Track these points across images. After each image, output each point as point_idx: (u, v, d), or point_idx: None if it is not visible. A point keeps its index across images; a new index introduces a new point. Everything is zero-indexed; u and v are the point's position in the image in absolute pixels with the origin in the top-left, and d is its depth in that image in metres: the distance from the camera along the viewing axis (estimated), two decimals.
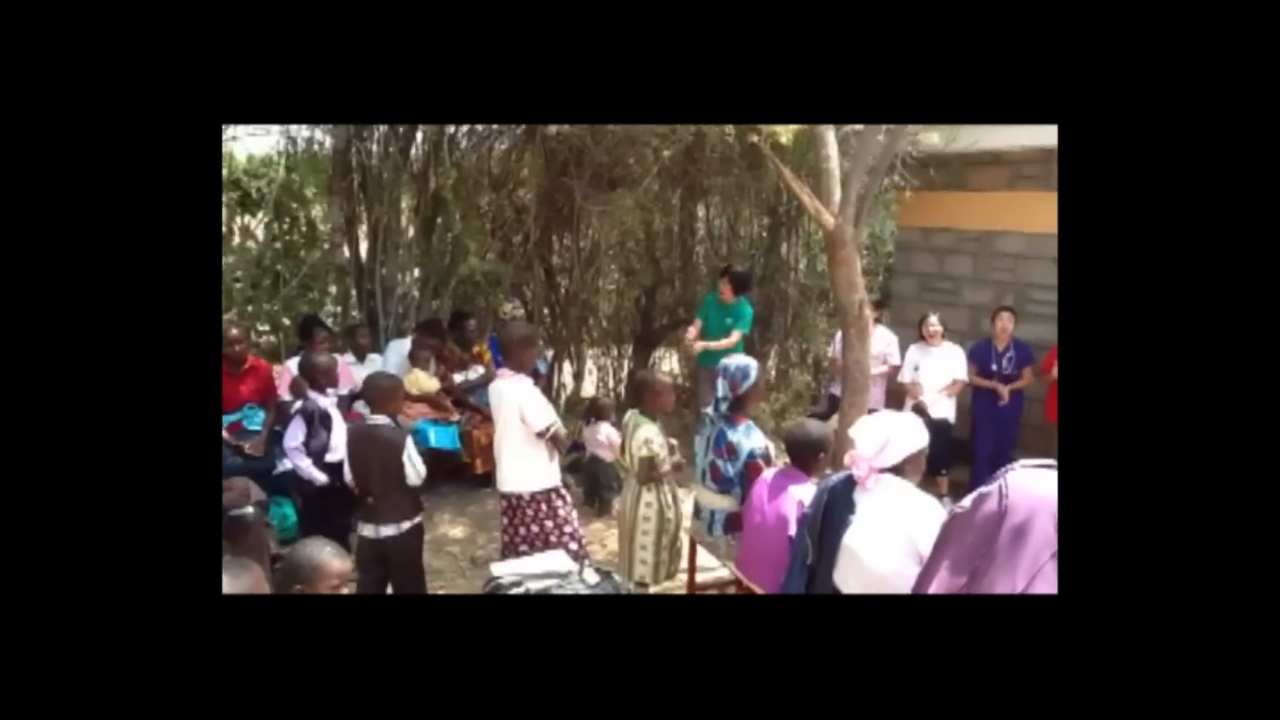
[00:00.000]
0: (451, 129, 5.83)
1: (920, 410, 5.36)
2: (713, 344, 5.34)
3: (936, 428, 5.37)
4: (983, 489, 1.86)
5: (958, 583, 1.86)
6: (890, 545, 2.25)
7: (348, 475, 3.38)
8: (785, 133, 3.84)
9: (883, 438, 2.27)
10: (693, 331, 5.52)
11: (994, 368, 5.42)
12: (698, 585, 3.64)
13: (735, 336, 5.41)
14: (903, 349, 5.77)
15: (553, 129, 5.40)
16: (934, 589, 1.92)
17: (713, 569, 3.69)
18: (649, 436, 3.33)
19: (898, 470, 2.34)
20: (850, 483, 2.42)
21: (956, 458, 5.57)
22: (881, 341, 5.67)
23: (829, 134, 3.75)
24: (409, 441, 3.21)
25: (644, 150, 5.29)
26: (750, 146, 4.78)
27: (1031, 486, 1.77)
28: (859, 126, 4.18)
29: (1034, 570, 1.73)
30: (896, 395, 5.77)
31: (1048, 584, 1.73)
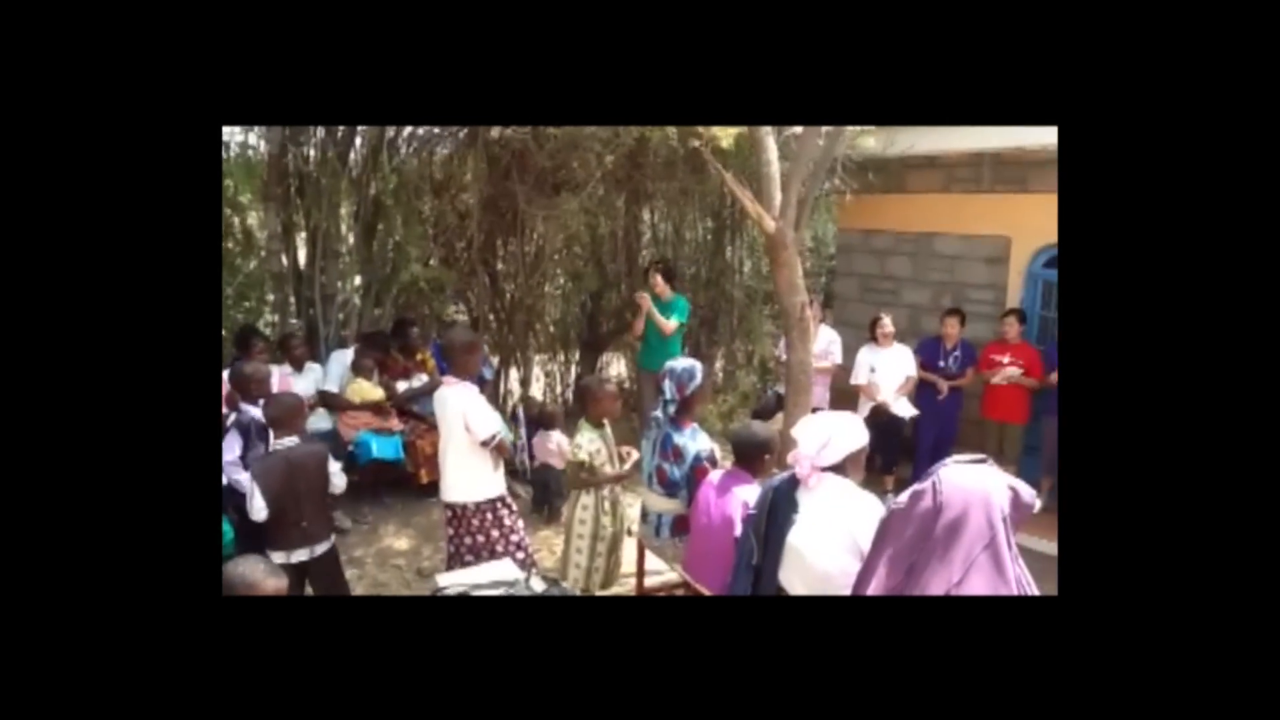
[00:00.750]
0: (391, 133, 5.73)
1: (882, 410, 5.47)
2: (660, 320, 5.34)
3: (893, 428, 5.51)
4: (917, 486, 1.89)
5: (895, 578, 1.89)
6: (833, 543, 2.28)
7: (258, 512, 2.98)
8: (726, 137, 3.87)
9: (824, 437, 2.30)
10: (644, 302, 5.45)
11: (940, 364, 5.56)
12: (646, 589, 3.63)
13: (674, 324, 5.42)
14: (846, 349, 5.87)
15: (494, 133, 5.35)
16: (873, 585, 1.95)
17: (661, 573, 3.69)
18: (580, 442, 3.35)
19: (839, 469, 2.37)
20: (793, 482, 2.45)
21: (905, 455, 5.69)
22: (824, 341, 5.76)
23: (769, 138, 3.79)
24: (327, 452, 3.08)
25: (587, 155, 5.28)
26: (692, 151, 4.82)
27: (964, 482, 1.81)
28: (798, 130, 4.25)
29: (968, 563, 1.77)
30: (844, 395, 5.85)
31: (981, 576, 1.77)
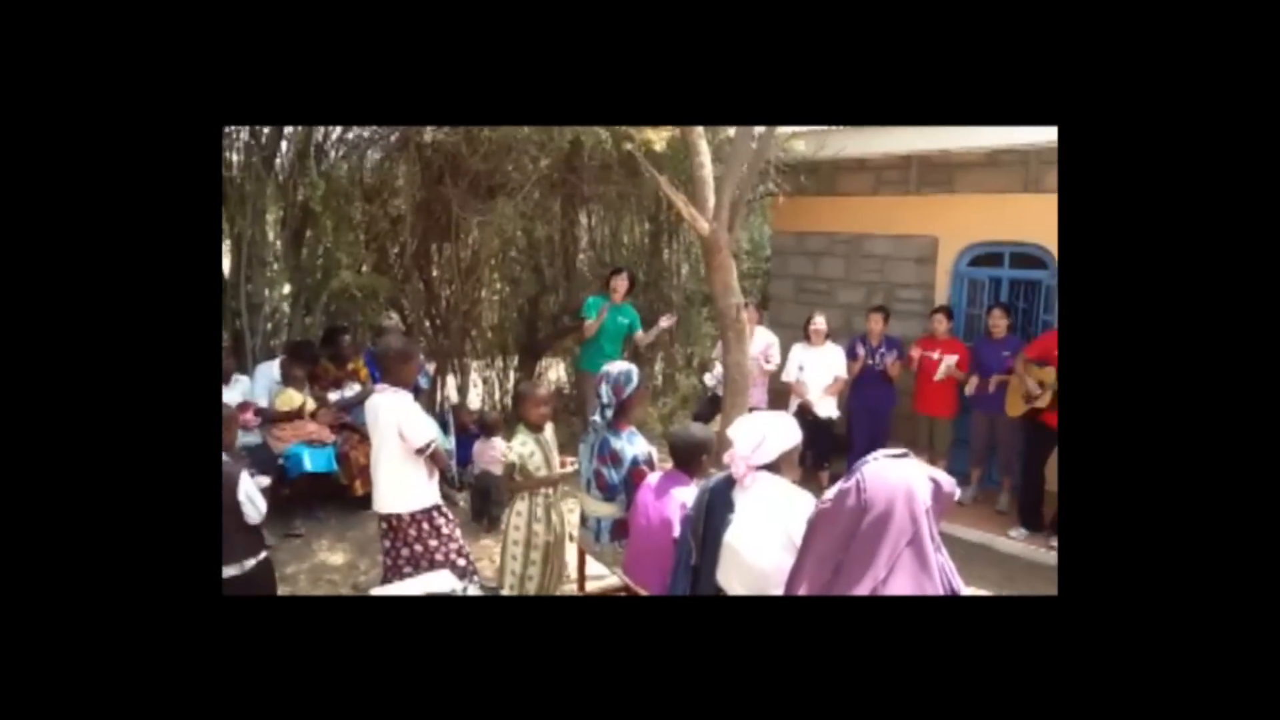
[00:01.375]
0: (319, 136, 5.59)
1: (806, 409, 5.56)
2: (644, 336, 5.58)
3: (823, 425, 5.61)
4: (842, 485, 1.92)
5: (824, 577, 1.92)
6: (769, 541, 2.31)
7: None
8: (659, 140, 3.89)
9: (758, 436, 2.32)
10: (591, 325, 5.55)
11: (868, 363, 5.68)
12: (587, 594, 3.61)
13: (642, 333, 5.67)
14: (783, 349, 5.96)
15: (427, 136, 5.27)
16: (803, 583, 1.97)
17: (602, 577, 3.67)
18: (512, 445, 3.35)
19: (774, 467, 2.40)
20: (729, 482, 2.46)
21: (836, 451, 5.80)
22: (761, 342, 5.83)
23: (701, 141, 3.83)
24: (243, 477, 2.90)
25: (522, 158, 5.24)
26: (627, 154, 4.83)
27: (887, 477, 1.85)
28: (730, 133, 4.30)
29: (893, 559, 1.80)
30: (781, 395, 5.94)
31: (906, 571, 1.81)
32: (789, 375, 5.73)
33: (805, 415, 5.52)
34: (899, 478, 1.86)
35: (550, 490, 3.40)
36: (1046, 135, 4.85)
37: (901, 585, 1.82)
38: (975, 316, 5.94)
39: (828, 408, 5.59)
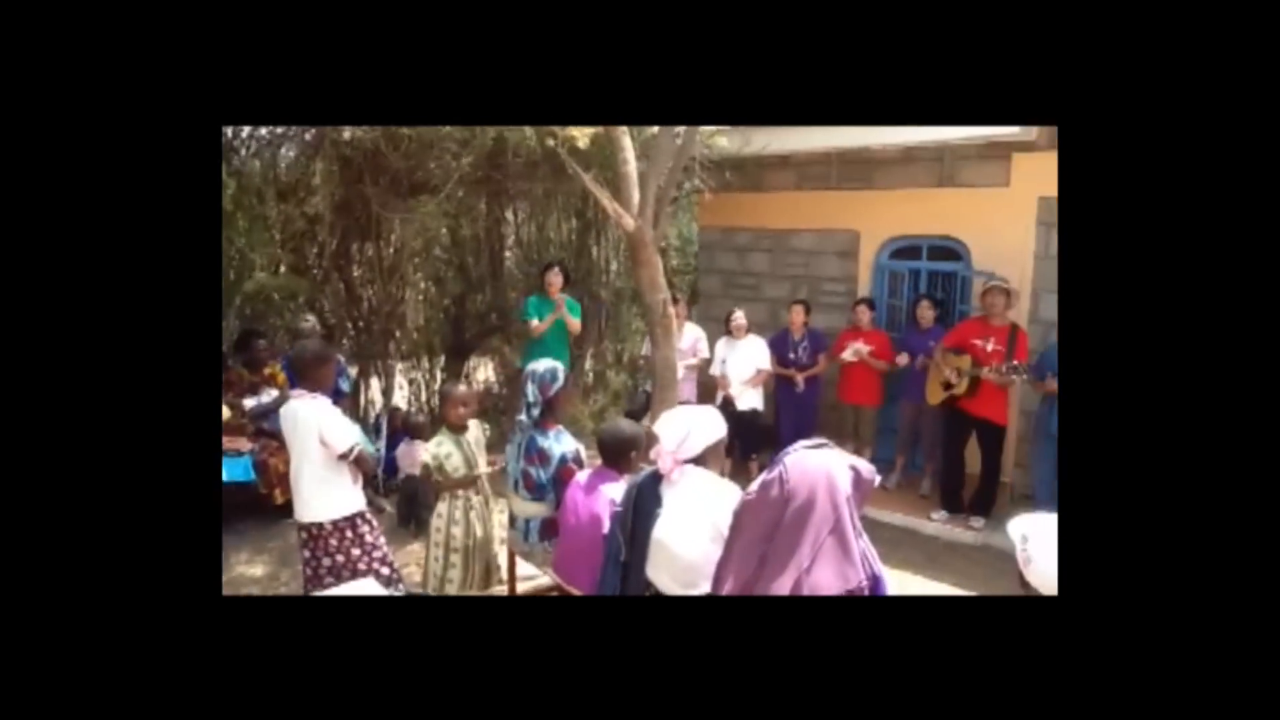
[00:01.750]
0: (229, 134, 5.36)
1: (729, 402, 5.62)
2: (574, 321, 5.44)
3: (746, 417, 5.68)
4: (765, 476, 1.95)
5: (750, 569, 1.94)
6: (696, 533, 2.31)
7: None
8: (583, 137, 3.86)
9: (683, 431, 2.33)
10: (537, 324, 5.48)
11: (791, 355, 5.78)
12: (518, 595, 3.57)
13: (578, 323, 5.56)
14: (711, 344, 6.01)
15: (346, 134, 5.11)
16: (730, 574, 1.99)
17: (534, 577, 3.63)
18: (428, 446, 3.31)
19: (700, 461, 2.41)
20: (657, 477, 2.46)
21: (765, 442, 5.89)
22: (690, 337, 5.88)
23: (625, 138, 3.81)
24: None
25: (444, 155, 5.13)
26: (551, 151, 4.78)
27: (808, 467, 1.88)
28: (655, 130, 4.30)
29: (816, 547, 1.83)
30: (709, 389, 5.99)
31: (829, 559, 1.84)
32: (714, 369, 5.79)
33: (728, 408, 5.59)
34: (819, 467, 1.89)
35: (472, 492, 3.33)
36: (959, 132, 5.03)
37: (825, 572, 1.85)
38: (896, 307, 6.12)
39: (749, 400, 5.66)
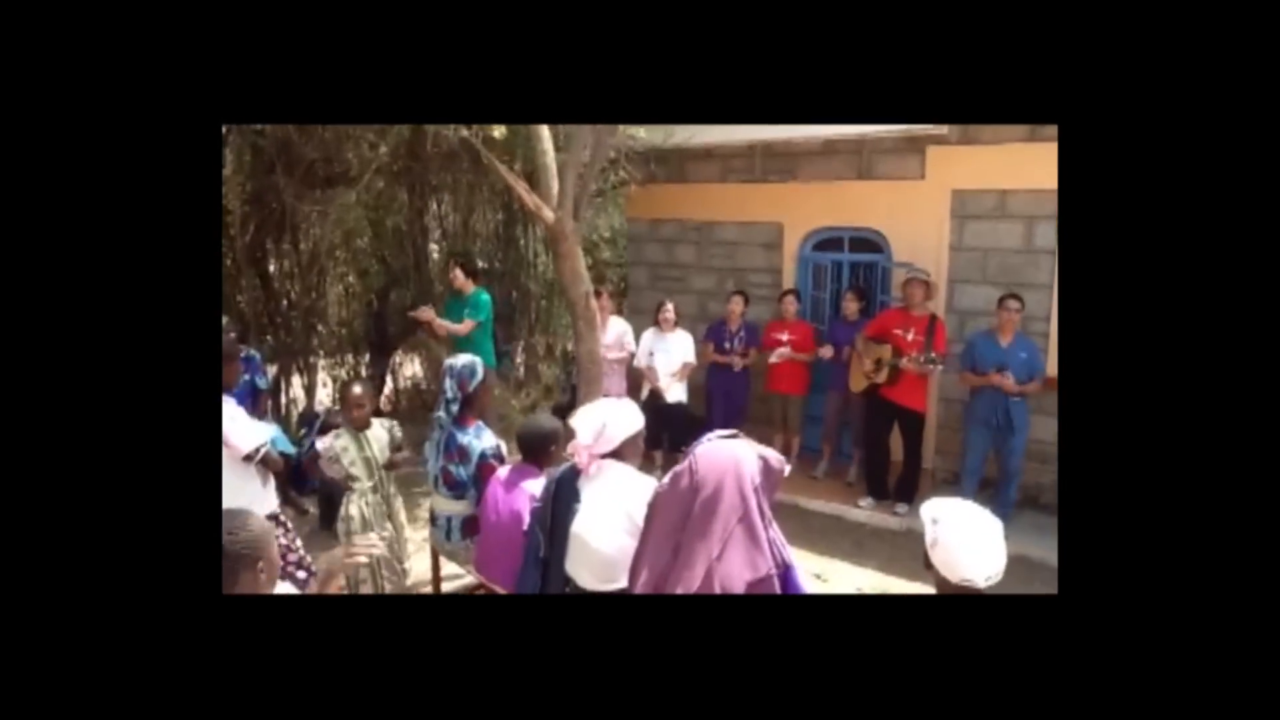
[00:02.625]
0: None
1: (657, 395, 5.63)
2: (453, 327, 5.15)
3: (674, 410, 5.70)
4: (677, 468, 1.95)
5: (664, 560, 1.95)
6: (613, 526, 2.31)
7: None
8: (498, 128, 3.80)
9: (598, 424, 2.32)
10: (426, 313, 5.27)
11: (727, 346, 5.83)
12: (443, 595, 3.51)
13: (468, 325, 5.24)
14: (640, 336, 6.01)
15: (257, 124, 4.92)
16: (645, 566, 1.99)
17: (459, 576, 3.58)
18: (325, 438, 3.25)
19: (618, 454, 2.40)
20: (575, 472, 2.45)
21: (695, 434, 5.91)
22: (615, 331, 5.86)
23: (544, 129, 3.77)
24: None
25: (360, 146, 4.99)
26: (470, 142, 4.70)
27: (716, 458, 1.89)
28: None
29: (726, 536, 1.85)
30: (639, 382, 5.99)
31: (738, 547, 1.86)
32: (640, 361, 5.77)
33: (656, 401, 5.61)
34: (728, 457, 1.91)
35: (373, 489, 3.24)
36: (878, 127, 5.14)
37: (734, 560, 1.86)
38: (820, 299, 6.23)
39: (676, 393, 5.68)
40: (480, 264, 6.72)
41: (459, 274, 5.28)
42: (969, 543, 1.65)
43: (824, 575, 4.56)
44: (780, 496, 5.71)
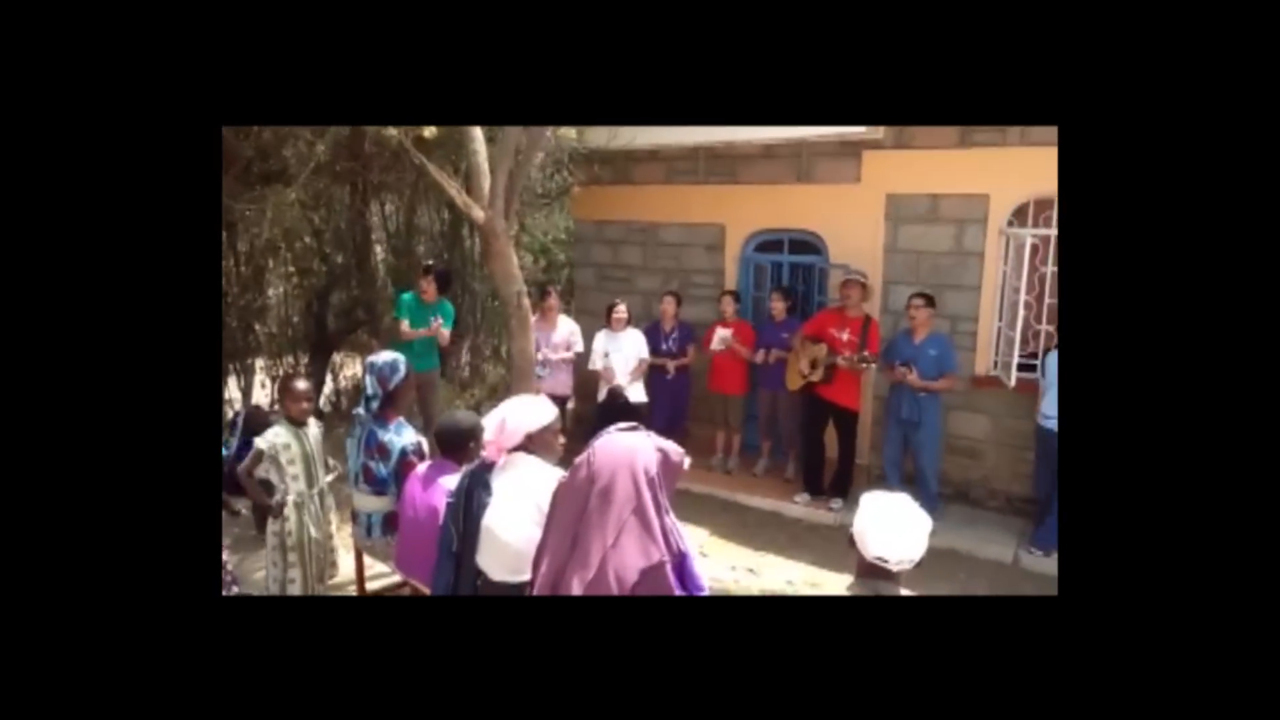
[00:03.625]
0: None
1: (617, 394, 5.67)
2: (441, 333, 5.33)
3: (633, 409, 5.72)
4: (577, 459, 2.00)
5: (563, 550, 1.99)
6: (521, 518, 2.34)
7: None
8: (428, 128, 3.81)
9: (498, 419, 2.36)
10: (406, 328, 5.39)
11: (663, 346, 5.89)
12: (368, 593, 3.51)
13: (448, 333, 5.41)
14: (586, 336, 6.04)
15: None
16: (546, 556, 2.03)
17: (385, 575, 3.58)
18: (264, 434, 3.17)
19: (529, 449, 2.44)
20: (487, 466, 2.48)
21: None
22: (564, 330, 5.89)
23: (475, 129, 3.79)
24: None
25: (297, 145, 4.95)
26: (416, 140, 4.69)
27: (612, 450, 1.94)
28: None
29: (620, 526, 1.90)
30: (589, 381, 6.02)
31: (631, 536, 1.91)
32: (595, 363, 5.80)
33: (616, 400, 5.64)
34: (624, 449, 1.96)
35: (304, 488, 3.23)
36: (815, 130, 5.24)
37: (628, 549, 1.91)
38: (761, 299, 6.32)
39: (637, 391, 5.72)
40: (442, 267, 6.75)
41: (432, 288, 5.35)
42: (882, 523, 1.76)
43: (757, 569, 4.64)
44: (720, 492, 5.82)
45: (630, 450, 1.95)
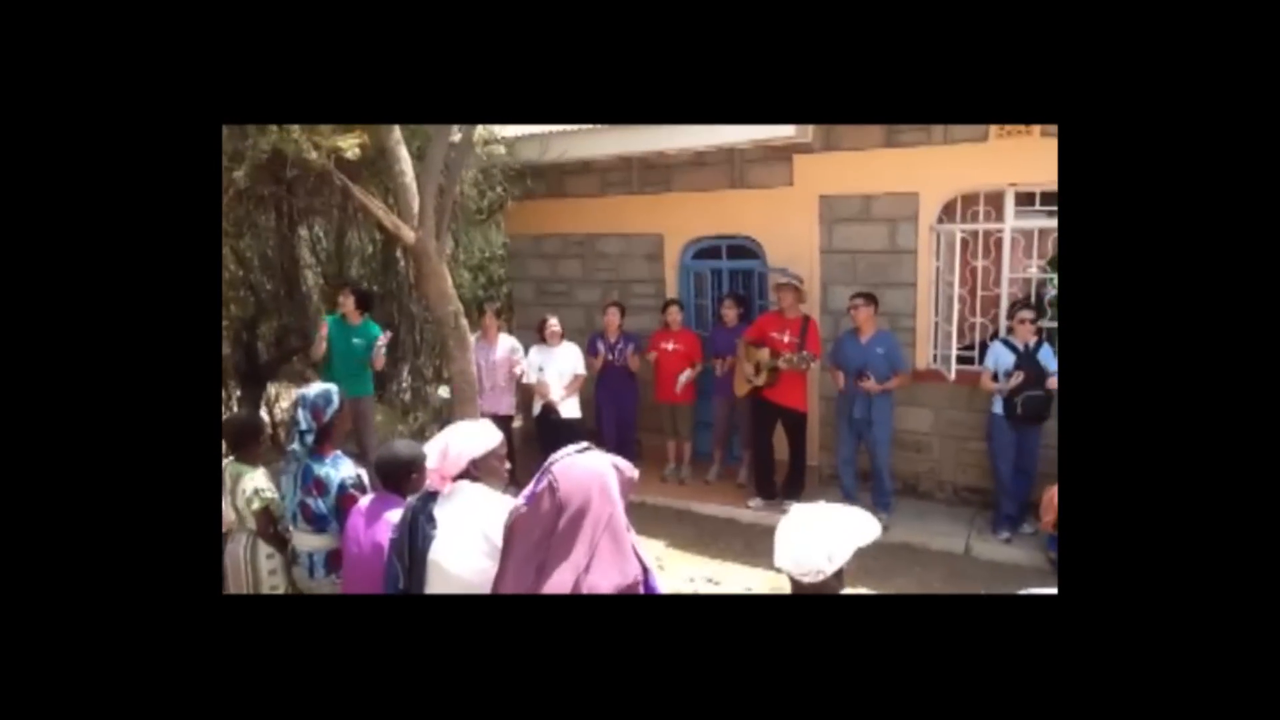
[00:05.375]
0: None
1: (550, 409, 5.59)
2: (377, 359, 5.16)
3: (565, 424, 5.66)
4: (534, 488, 1.93)
5: (529, 577, 1.92)
6: (470, 549, 2.26)
7: None
8: (350, 147, 3.69)
9: (441, 445, 2.27)
10: (321, 345, 5.19)
11: (608, 357, 5.84)
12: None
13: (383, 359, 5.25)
14: (528, 353, 5.95)
15: None
16: (509, 587, 1.96)
17: None
18: (259, 486, 3.02)
19: (472, 475, 2.36)
20: (430, 496, 2.39)
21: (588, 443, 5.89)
22: (505, 347, 5.79)
23: (400, 148, 3.69)
24: None
25: None
26: (342, 163, 4.55)
27: (578, 474, 1.89)
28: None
29: (593, 547, 1.85)
30: (531, 398, 5.93)
31: (604, 557, 1.86)
32: (529, 378, 5.72)
33: (549, 415, 5.57)
34: (590, 471, 1.91)
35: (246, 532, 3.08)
36: (743, 135, 5.26)
37: (604, 570, 1.86)
38: (703, 306, 6.33)
39: (570, 406, 5.65)
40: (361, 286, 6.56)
41: (350, 303, 5.15)
42: (781, 535, 1.78)
43: (715, 578, 4.61)
44: (674, 502, 5.79)
45: (597, 473, 1.92)
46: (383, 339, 5.11)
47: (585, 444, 2.07)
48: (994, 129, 4.86)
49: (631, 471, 2.01)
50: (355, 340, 5.22)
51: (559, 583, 1.85)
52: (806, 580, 1.74)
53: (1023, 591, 1.62)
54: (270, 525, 3.03)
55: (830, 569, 1.73)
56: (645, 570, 1.97)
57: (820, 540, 1.73)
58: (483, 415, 5.60)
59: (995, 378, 4.77)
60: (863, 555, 1.79)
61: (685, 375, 5.69)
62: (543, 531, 1.92)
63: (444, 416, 6.84)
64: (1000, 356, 4.77)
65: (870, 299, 5.01)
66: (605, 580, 1.85)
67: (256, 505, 2.99)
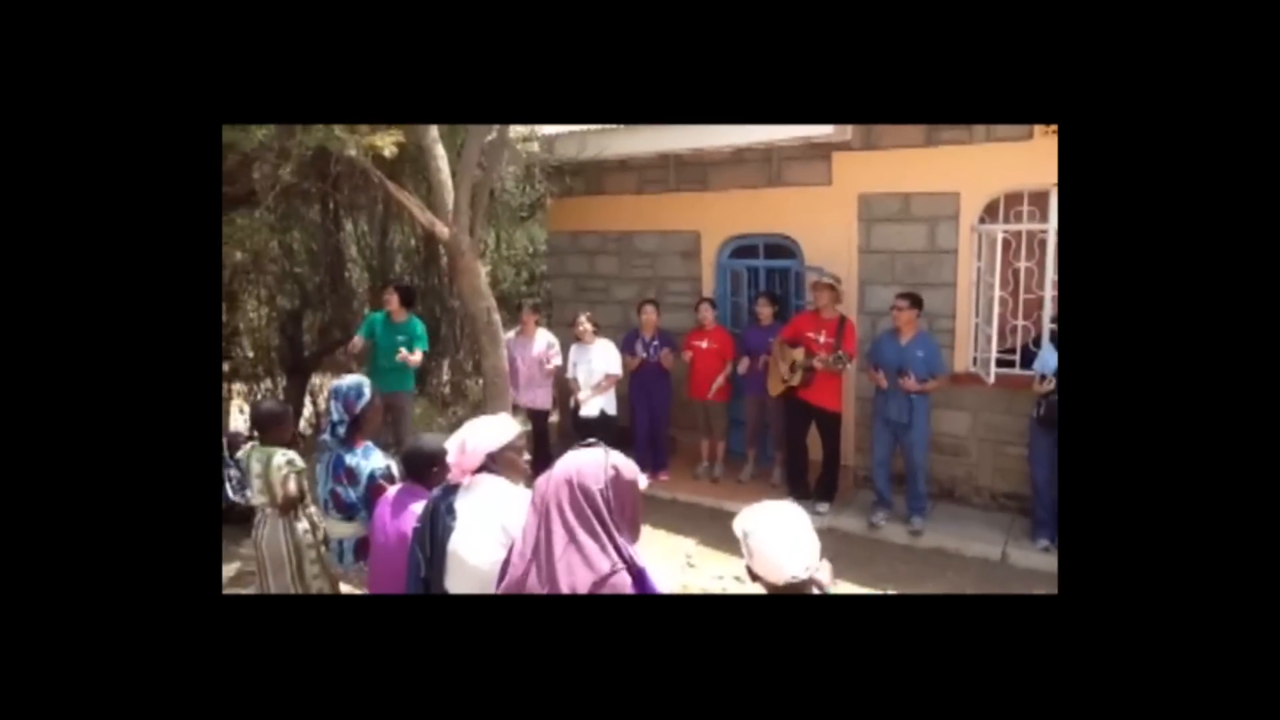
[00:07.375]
0: None
1: (575, 407, 5.64)
2: (410, 359, 5.22)
3: (593, 422, 5.69)
4: (539, 479, 1.97)
5: (520, 569, 1.95)
6: (487, 540, 2.30)
7: None
8: (387, 145, 3.78)
9: (459, 440, 2.32)
10: (357, 341, 5.30)
11: (644, 354, 5.86)
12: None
13: (419, 355, 5.30)
14: (565, 348, 6.01)
15: None
16: (504, 581, 1.99)
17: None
18: (290, 457, 3.13)
19: (491, 468, 2.40)
20: (452, 490, 2.44)
21: (619, 445, 5.91)
22: (542, 343, 5.85)
23: (437, 146, 3.76)
24: None
25: (263, 167, 4.90)
26: (379, 159, 4.65)
27: (564, 470, 1.91)
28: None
29: (564, 543, 1.87)
30: (569, 394, 5.98)
31: (576, 553, 1.87)
32: (569, 374, 5.78)
33: (576, 413, 5.62)
34: (563, 470, 1.93)
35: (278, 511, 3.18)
36: (783, 134, 5.23)
37: (574, 564, 1.87)
38: (739, 304, 6.30)
39: (597, 404, 5.66)
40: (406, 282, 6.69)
41: (394, 300, 5.26)
42: (779, 541, 1.74)
43: (744, 578, 4.59)
44: (706, 500, 5.77)
45: (575, 469, 1.93)
46: (414, 358, 5.22)
47: (592, 440, 2.08)
48: (1039, 128, 4.73)
49: (633, 474, 2.01)
50: (399, 337, 5.33)
51: (547, 578, 1.87)
52: (781, 581, 1.73)
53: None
54: (300, 493, 3.13)
55: (805, 575, 1.73)
56: (641, 571, 1.96)
57: (810, 535, 1.73)
58: (520, 409, 5.69)
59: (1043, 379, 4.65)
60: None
61: (718, 382, 5.68)
62: (536, 522, 1.96)
63: (482, 410, 6.96)
64: (1050, 360, 4.64)
65: (914, 301, 4.90)
66: (580, 578, 1.85)
67: (287, 471, 3.08)
